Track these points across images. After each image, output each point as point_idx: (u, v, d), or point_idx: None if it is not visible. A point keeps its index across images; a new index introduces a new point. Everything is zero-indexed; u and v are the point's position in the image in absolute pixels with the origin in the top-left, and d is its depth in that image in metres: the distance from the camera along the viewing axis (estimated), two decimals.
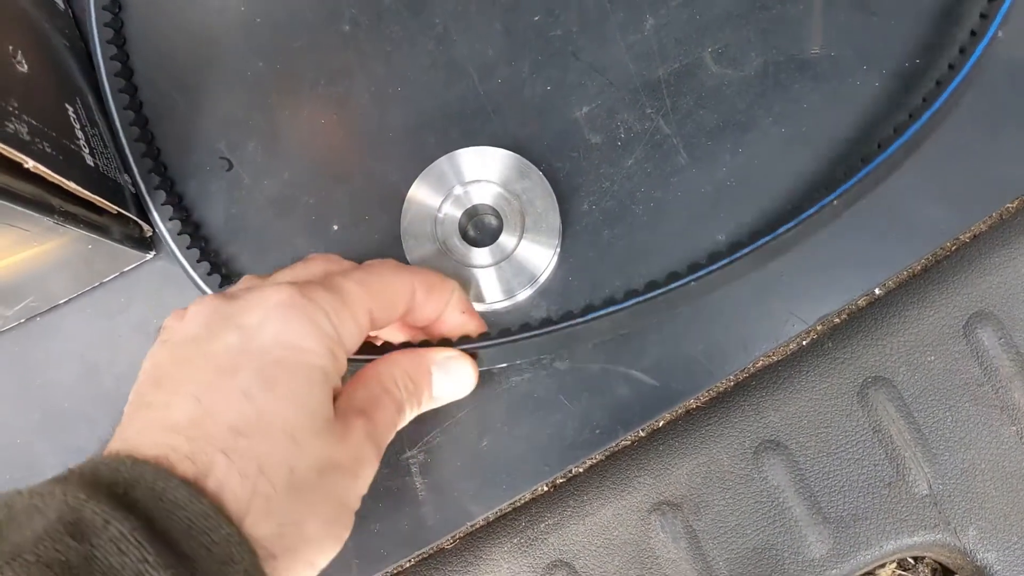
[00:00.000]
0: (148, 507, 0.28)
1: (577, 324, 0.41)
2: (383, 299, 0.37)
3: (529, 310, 0.47)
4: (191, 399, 0.31)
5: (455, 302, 0.41)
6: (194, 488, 0.28)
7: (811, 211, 0.42)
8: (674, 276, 0.41)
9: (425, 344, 0.40)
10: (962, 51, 0.45)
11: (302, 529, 0.31)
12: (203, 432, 0.30)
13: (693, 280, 0.41)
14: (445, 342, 0.41)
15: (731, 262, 0.41)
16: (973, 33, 0.45)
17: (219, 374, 0.32)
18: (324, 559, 0.33)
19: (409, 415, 0.39)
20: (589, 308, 0.41)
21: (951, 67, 0.44)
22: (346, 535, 0.34)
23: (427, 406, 0.40)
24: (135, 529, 0.26)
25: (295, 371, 0.33)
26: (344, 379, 0.37)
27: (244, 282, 0.40)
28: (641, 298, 0.41)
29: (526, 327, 0.41)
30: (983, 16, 0.45)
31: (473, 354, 0.40)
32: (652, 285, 0.41)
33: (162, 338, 0.36)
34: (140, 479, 0.28)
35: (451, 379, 0.40)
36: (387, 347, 0.40)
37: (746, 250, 0.41)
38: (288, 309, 0.34)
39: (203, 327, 0.34)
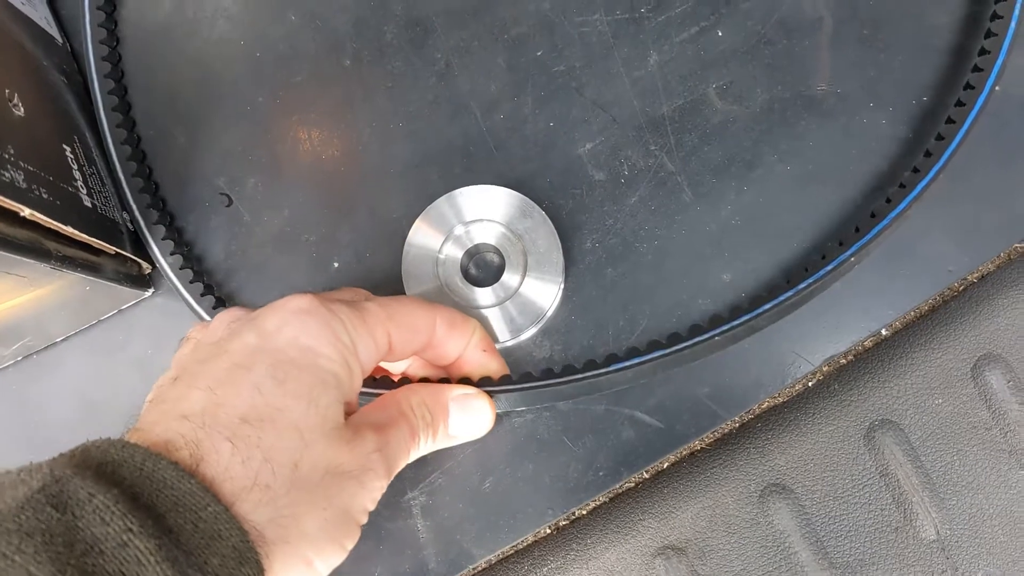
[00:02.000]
0: (135, 484, 0.28)
1: (600, 375, 0.41)
2: (403, 325, 0.37)
3: (532, 349, 0.46)
4: (205, 391, 0.32)
5: (476, 341, 0.41)
6: (184, 469, 0.29)
7: (847, 253, 0.42)
8: (697, 330, 0.42)
9: (445, 382, 0.41)
10: (971, 87, 0.44)
11: (300, 523, 0.31)
12: (213, 420, 0.31)
13: (717, 335, 0.41)
14: (466, 382, 0.41)
15: (757, 316, 0.41)
16: (980, 69, 0.45)
17: (234, 369, 0.33)
18: (323, 563, 0.33)
19: (424, 446, 0.39)
20: (612, 358, 0.41)
21: (961, 104, 0.44)
22: (349, 545, 0.34)
23: (442, 442, 0.40)
24: (119, 501, 0.27)
25: (308, 371, 0.33)
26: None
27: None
28: (667, 351, 0.41)
29: (548, 373, 0.42)
30: (985, 52, 0.45)
31: (492, 396, 0.41)
32: (675, 338, 0.42)
33: (185, 342, 0.38)
34: (129, 460, 0.29)
35: (467, 417, 0.40)
36: (405, 381, 0.40)
37: (773, 302, 0.42)
38: (306, 314, 0.35)
39: (224, 329, 0.36)
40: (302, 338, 0.34)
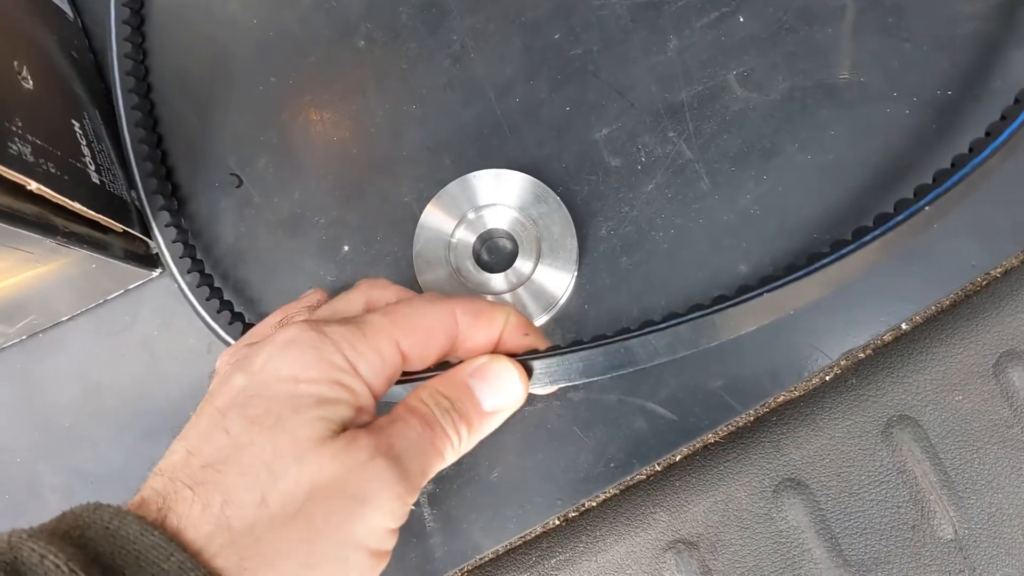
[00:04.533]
0: (99, 544, 0.28)
1: (633, 336, 0.36)
2: (411, 329, 0.34)
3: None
4: (183, 443, 0.31)
5: (513, 325, 0.37)
6: (149, 523, 0.28)
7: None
8: (745, 289, 0.36)
9: None
10: None
11: (273, 563, 0.29)
12: (181, 471, 0.30)
13: (766, 292, 0.36)
14: None
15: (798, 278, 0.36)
16: None
17: (213, 415, 0.32)
18: None
19: (461, 436, 0.35)
20: (648, 323, 0.36)
21: (1017, 101, 0.41)
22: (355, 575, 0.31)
23: (483, 424, 0.36)
24: (70, 560, 0.26)
25: (280, 400, 0.31)
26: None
27: (272, 317, 0.41)
28: (707, 311, 0.36)
29: (576, 342, 0.37)
30: None
31: (524, 365, 0.36)
32: (720, 299, 0.36)
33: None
34: (98, 520, 0.28)
35: (494, 385, 0.36)
36: (426, 373, 0.37)
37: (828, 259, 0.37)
38: (291, 344, 0.33)
39: (221, 376, 0.34)
40: (283, 369, 0.32)
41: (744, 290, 0.36)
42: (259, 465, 0.30)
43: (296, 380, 0.32)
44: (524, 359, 0.36)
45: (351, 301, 0.39)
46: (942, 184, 0.38)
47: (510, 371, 0.36)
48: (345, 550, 0.30)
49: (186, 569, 0.27)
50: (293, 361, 0.32)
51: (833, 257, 0.37)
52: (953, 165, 0.39)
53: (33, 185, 0.37)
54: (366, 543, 0.31)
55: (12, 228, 0.36)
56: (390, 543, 0.32)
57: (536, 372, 0.36)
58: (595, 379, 0.37)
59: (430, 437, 0.33)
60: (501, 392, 0.36)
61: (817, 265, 0.36)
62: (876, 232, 0.37)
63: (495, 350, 0.37)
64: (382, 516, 0.31)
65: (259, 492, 0.30)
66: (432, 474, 0.34)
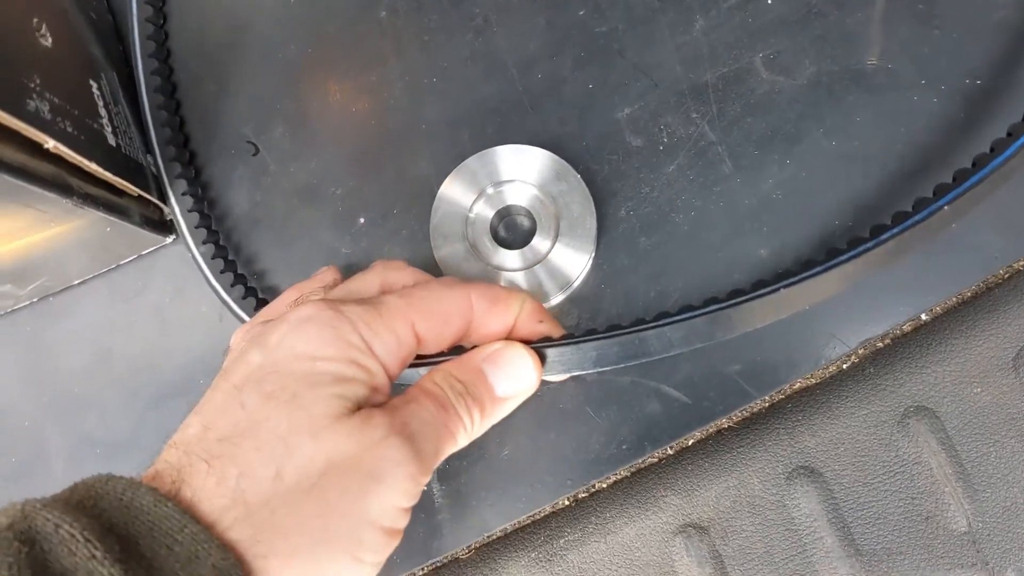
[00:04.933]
0: (112, 515, 0.28)
1: (647, 328, 0.36)
2: (428, 312, 0.35)
3: (559, 317, 0.45)
4: (198, 417, 0.32)
5: (528, 312, 0.37)
6: (162, 495, 0.29)
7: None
8: (760, 284, 0.37)
9: None
10: None
11: (287, 537, 0.29)
12: (196, 444, 0.31)
13: (783, 287, 0.36)
14: None
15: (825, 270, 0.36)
16: None
17: (229, 391, 0.32)
18: None
19: (474, 419, 0.35)
20: (663, 314, 0.37)
21: None
22: (370, 557, 0.31)
23: (496, 409, 0.36)
24: (85, 529, 0.26)
25: (296, 377, 0.32)
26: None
27: (286, 295, 0.41)
28: (723, 305, 0.36)
29: (591, 332, 0.37)
30: None
31: (538, 353, 0.37)
32: (736, 293, 0.37)
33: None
34: (111, 491, 0.28)
35: (507, 372, 0.36)
36: (461, 350, 0.37)
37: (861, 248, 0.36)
38: (307, 322, 0.33)
39: (237, 352, 0.34)
40: (299, 346, 0.32)
41: (760, 284, 0.36)
42: (275, 440, 0.30)
43: (312, 358, 0.32)
44: (538, 347, 0.37)
45: (367, 282, 0.39)
46: (962, 183, 0.38)
47: (524, 358, 0.36)
48: (359, 527, 0.30)
49: (200, 541, 0.28)
50: (310, 339, 0.32)
51: (850, 254, 0.37)
52: (974, 164, 0.39)
53: (50, 143, 0.36)
54: (379, 521, 0.31)
55: (28, 186, 0.36)
56: (402, 522, 0.32)
57: (549, 360, 0.37)
58: (608, 368, 0.37)
59: (444, 419, 0.34)
60: (514, 378, 0.36)
61: (834, 261, 0.36)
62: (894, 230, 0.37)
63: (509, 336, 0.37)
64: (396, 495, 0.31)
65: (275, 466, 0.30)
66: (444, 456, 0.34)
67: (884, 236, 0.36)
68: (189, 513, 0.28)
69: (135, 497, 0.28)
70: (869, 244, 0.36)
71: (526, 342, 0.37)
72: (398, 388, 0.35)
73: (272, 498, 0.29)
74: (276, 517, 0.29)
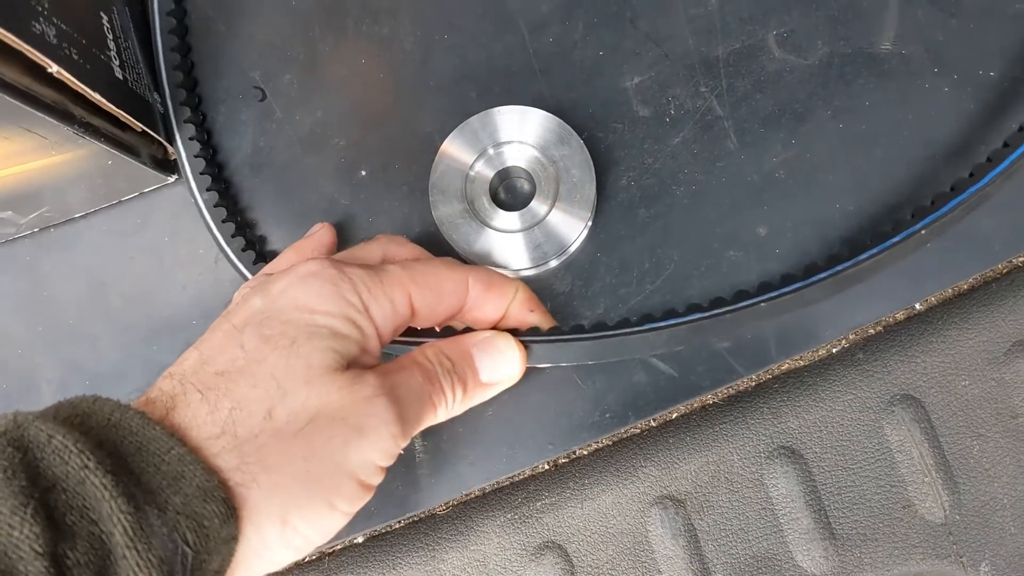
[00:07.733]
0: (100, 433, 0.29)
1: (631, 333, 0.38)
2: (427, 287, 0.36)
3: (553, 282, 0.45)
4: (197, 352, 0.33)
5: (520, 301, 0.39)
6: (151, 419, 0.30)
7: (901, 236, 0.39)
8: (743, 295, 0.39)
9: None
10: None
11: (271, 472, 0.30)
12: (192, 376, 0.32)
13: (763, 301, 0.38)
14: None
15: (809, 285, 0.39)
16: None
17: (229, 331, 0.33)
18: (304, 523, 0.31)
19: (456, 397, 0.37)
20: (648, 318, 0.39)
21: None
22: (343, 506, 0.32)
23: (478, 392, 0.38)
24: (77, 441, 0.27)
25: (297, 326, 0.33)
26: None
27: (285, 254, 0.42)
28: (705, 314, 0.38)
29: (578, 329, 0.40)
30: None
31: (526, 346, 0.39)
32: (719, 302, 0.39)
33: None
34: (98, 411, 0.29)
35: (494, 359, 0.38)
36: (449, 332, 0.39)
37: (841, 267, 0.39)
38: (311, 276, 0.35)
39: (240, 298, 0.36)
40: (300, 298, 0.34)
41: (743, 295, 0.39)
42: (271, 381, 0.32)
43: (312, 310, 0.34)
44: (527, 340, 0.39)
45: (370, 251, 0.41)
46: (943, 206, 0.40)
47: (512, 349, 0.38)
48: (338, 475, 0.32)
49: (186, 462, 0.29)
50: (311, 292, 0.34)
51: (815, 278, 0.39)
52: (972, 175, 0.40)
53: (54, 68, 0.36)
54: (357, 473, 0.32)
55: (30, 110, 0.36)
56: (377, 479, 0.34)
57: (535, 353, 0.39)
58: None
59: (429, 391, 0.36)
60: (499, 367, 0.38)
61: (804, 283, 0.39)
62: (872, 251, 0.39)
63: (500, 322, 0.39)
64: (376, 451, 0.33)
65: (267, 405, 0.31)
66: (423, 426, 0.36)
67: (862, 255, 0.39)
68: (177, 436, 0.30)
69: (124, 419, 0.29)
70: (848, 263, 0.39)
71: (516, 331, 0.39)
72: (386, 357, 0.36)
73: (260, 434, 0.31)
74: (262, 452, 0.31)
